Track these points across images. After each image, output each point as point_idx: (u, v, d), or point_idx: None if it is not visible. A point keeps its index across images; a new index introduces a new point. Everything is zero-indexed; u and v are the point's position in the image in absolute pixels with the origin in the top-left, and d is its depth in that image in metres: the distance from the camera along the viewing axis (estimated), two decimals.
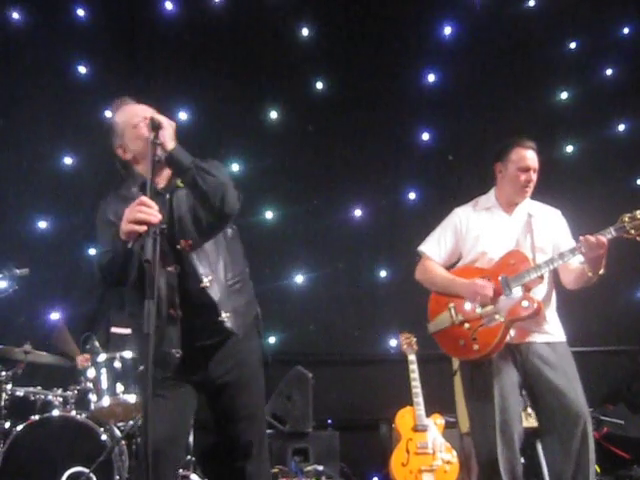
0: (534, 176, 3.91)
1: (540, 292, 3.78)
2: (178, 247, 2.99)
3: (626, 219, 3.52)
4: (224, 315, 3.01)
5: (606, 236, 3.50)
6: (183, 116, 6.64)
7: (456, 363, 4.42)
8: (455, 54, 7.24)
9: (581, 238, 3.54)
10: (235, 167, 6.69)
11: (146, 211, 2.60)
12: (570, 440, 3.55)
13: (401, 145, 7.15)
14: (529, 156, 3.90)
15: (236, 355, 3.12)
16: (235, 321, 3.05)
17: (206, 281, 3.00)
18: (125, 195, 3.11)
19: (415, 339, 5.61)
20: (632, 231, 3.50)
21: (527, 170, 3.88)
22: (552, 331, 3.79)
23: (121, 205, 3.02)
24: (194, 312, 2.98)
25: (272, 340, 6.43)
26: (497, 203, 4.02)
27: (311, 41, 7.15)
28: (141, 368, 4.47)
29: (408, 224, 6.73)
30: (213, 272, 3.04)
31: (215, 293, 3.02)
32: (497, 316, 3.69)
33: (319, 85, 7.15)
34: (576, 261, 3.78)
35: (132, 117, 3.10)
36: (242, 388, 3.14)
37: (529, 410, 3.95)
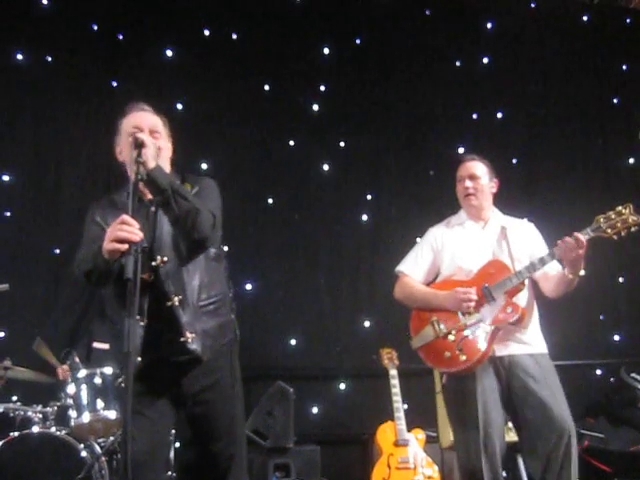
0: (473, 183, 4.03)
1: (522, 300, 3.81)
2: (153, 263, 3.00)
3: (601, 220, 3.60)
4: (188, 335, 3.02)
5: (584, 237, 3.55)
6: None
7: (439, 385, 4.43)
8: (436, 68, 7.29)
9: (560, 241, 3.59)
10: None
11: (127, 229, 2.63)
12: (553, 453, 3.56)
13: (382, 160, 7.18)
14: (463, 166, 4.09)
15: (210, 375, 3.13)
16: (202, 343, 3.06)
17: (175, 300, 3.01)
18: (115, 199, 3.18)
19: (396, 354, 5.63)
20: (609, 230, 3.58)
21: (462, 179, 4.06)
22: (534, 343, 3.81)
23: (108, 209, 3.12)
24: (163, 327, 2.98)
25: (253, 355, 6.40)
26: (468, 218, 4.09)
27: (293, 56, 7.19)
28: (120, 381, 4.53)
29: (389, 239, 6.76)
30: (184, 292, 3.05)
31: (181, 313, 3.02)
32: (482, 324, 3.72)
33: (301, 100, 7.18)
34: (554, 269, 3.83)
35: (131, 126, 3.15)
36: (218, 408, 3.15)
37: (510, 425, 3.96)
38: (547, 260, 3.68)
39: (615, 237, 3.58)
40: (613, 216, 3.58)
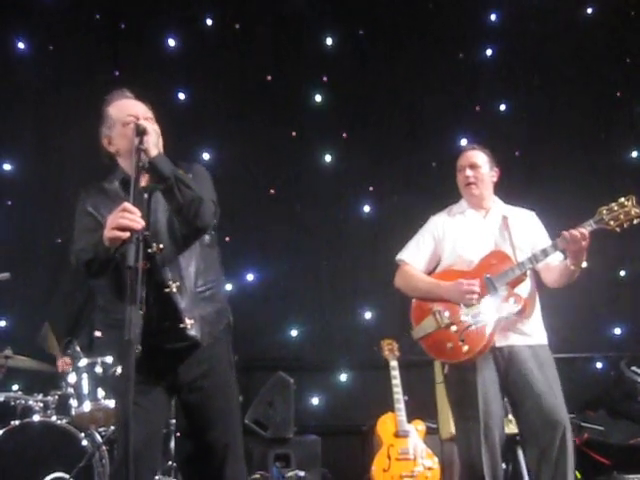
0: (474, 172, 4.03)
1: (524, 291, 3.80)
2: (149, 251, 2.97)
3: (604, 211, 3.59)
4: (188, 322, 3.01)
5: (586, 229, 3.55)
6: None
7: (439, 375, 4.43)
8: (440, 59, 7.27)
9: (563, 233, 3.58)
10: (218, 171, 6.66)
11: (129, 217, 2.61)
12: (549, 446, 3.57)
13: (385, 151, 7.16)
14: (464, 155, 4.09)
15: (205, 362, 3.12)
16: (200, 329, 3.05)
17: (173, 286, 3.00)
18: (106, 188, 3.15)
19: (397, 345, 5.62)
20: (611, 222, 3.57)
21: (463, 168, 4.05)
22: (534, 334, 3.81)
23: (100, 197, 3.09)
24: (160, 315, 2.96)
25: (254, 346, 6.42)
26: (469, 207, 4.08)
27: (296, 47, 7.17)
28: (113, 370, 4.53)
29: (390, 230, 6.73)
30: (181, 278, 3.04)
31: (180, 299, 3.01)
32: (484, 315, 3.71)
33: (303, 91, 7.17)
34: (556, 259, 3.82)
35: (125, 115, 3.11)
36: (213, 396, 3.13)
37: (510, 417, 3.96)
38: (550, 252, 3.68)
39: (618, 229, 3.58)
40: (616, 208, 3.58)
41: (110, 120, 3.17)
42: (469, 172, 4.01)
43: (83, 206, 3.13)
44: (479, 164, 4.03)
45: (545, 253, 3.68)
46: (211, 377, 3.14)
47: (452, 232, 4.03)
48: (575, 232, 3.53)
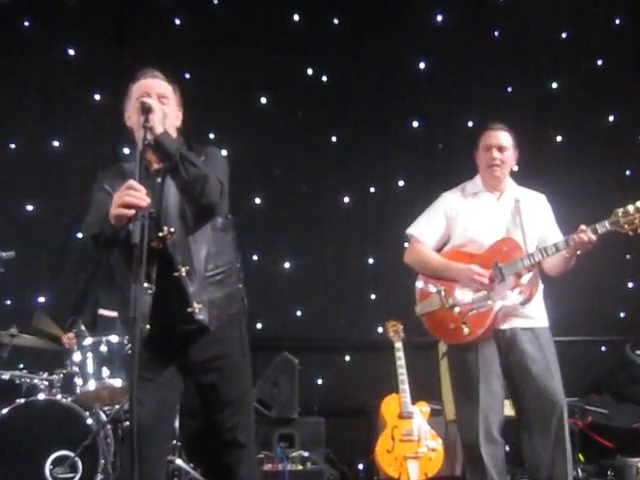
0: (500, 154, 3.93)
1: (529, 278, 3.79)
2: (160, 234, 2.97)
3: (620, 214, 3.53)
4: (195, 306, 3.00)
5: (601, 229, 3.52)
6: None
7: (443, 347, 4.42)
8: (447, 41, 7.22)
9: (582, 226, 3.54)
10: (224, 152, 6.66)
11: (134, 195, 2.61)
12: (547, 427, 3.59)
13: (391, 132, 7.14)
14: (493, 135, 3.97)
15: (217, 344, 3.12)
16: (209, 313, 3.05)
17: (182, 270, 3.00)
18: (124, 167, 3.15)
19: (402, 326, 5.63)
20: (625, 226, 3.52)
21: (490, 148, 3.94)
22: (536, 316, 3.80)
23: (116, 176, 3.08)
24: (169, 297, 2.97)
25: (259, 326, 6.44)
26: (483, 188, 4.03)
27: (303, 27, 7.14)
28: (126, 348, 4.56)
29: (396, 211, 6.73)
30: (191, 262, 3.03)
31: (189, 283, 3.01)
32: (489, 301, 3.70)
33: (309, 71, 7.14)
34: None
35: (140, 90, 3.13)
36: (224, 378, 3.14)
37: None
38: (561, 247, 3.64)
39: (631, 233, 3.54)
40: (632, 211, 3.52)
41: (130, 95, 3.18)
42: (496, 154, 3.92)
43: (100, 184, 3.14)
44: (506, 146, 3.95)
45: (557, 247, 3.66)
46: (223, 359, 3.14)
47: (465, 213, 3.98)
48: (584, 237, 3.50)
